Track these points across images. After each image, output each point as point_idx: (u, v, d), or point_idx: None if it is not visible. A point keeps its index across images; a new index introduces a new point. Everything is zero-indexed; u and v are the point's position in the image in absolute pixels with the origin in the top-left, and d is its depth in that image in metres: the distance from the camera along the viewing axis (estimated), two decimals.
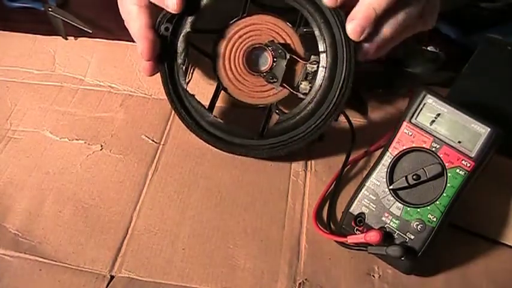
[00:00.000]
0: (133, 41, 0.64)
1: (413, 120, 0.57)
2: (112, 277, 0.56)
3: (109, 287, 0.55)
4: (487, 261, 0.58)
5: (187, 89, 0.65)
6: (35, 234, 0.59)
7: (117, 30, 0.78)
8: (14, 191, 0.63)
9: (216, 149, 0.66)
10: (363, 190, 0.58)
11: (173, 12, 0.62)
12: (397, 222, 0.56)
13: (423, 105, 0.57)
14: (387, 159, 0.57)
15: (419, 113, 0.57)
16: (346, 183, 0.65)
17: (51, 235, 0.59)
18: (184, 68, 0.65)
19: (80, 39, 0.81)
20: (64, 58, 0.79)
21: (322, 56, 0.63)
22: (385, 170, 0.57)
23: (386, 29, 0.60)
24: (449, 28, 0.79)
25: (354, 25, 0.59)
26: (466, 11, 0.81)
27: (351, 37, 0.60)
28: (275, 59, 0.65)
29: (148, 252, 0.58)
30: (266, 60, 0.66)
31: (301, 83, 0.65)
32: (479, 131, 0.54)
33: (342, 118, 0.65)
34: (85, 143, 0.68)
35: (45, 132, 0.69)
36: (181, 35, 0.64)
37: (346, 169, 0.65)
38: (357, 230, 0.58)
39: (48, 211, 0.61)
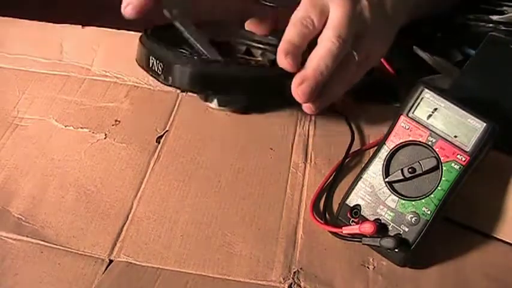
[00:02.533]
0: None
1: (410, 114, 0.57)
2: (111, 261, 0.57)
3: (107, 271, 0.56)
4: (481, 255, 0.59)
5: None
6: (38, 218, 0.60)
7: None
8: (19, 176, 0.65)
9: (217, 141, 0.68)
10: (359, 182, 0.59)
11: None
12: (391, 214, 0.57)
13: (421, 100, 0.57)
14: (384, 152, 0.58)
15: (416, 107, 0.57)
16: (344, 176, 0.66)
17: (53, 219, 0.60)
18: None
19: (86, 27, 0.83)
20: (71, 47, 0.81)
21: None
22: (382, 162, 0.58)
23: (335, 88, 0.63)
24: None
25: (303, 88, 0.60)
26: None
27: (299, 100, 0.61)
28: None
29: (147, 237, 0.59)
30: None
31: None
32: (475, 126, 0.55)
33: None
34: (89, 131, 0.70)
35: (51, 120, 0.71)
36: None
37: (345, 162, 0.66)
38: (352, 221, 0.59)
39: (51, 196, 0.63)
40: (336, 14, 0.61)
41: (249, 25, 0.69)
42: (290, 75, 0.61)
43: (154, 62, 0.65)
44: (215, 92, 0.68)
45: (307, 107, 0.63)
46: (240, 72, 0.65)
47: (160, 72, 0.65)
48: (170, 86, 0.65)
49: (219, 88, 0.66)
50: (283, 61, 0.60)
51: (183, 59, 0.64)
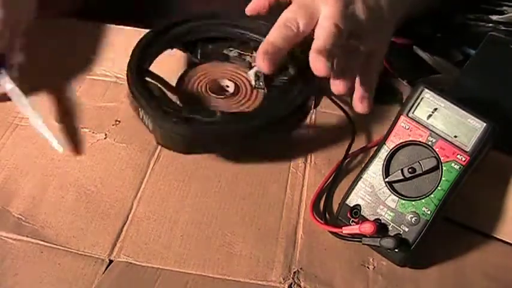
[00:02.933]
0: (140, 27, 0.65)
1: (410, 114, 0.57)
2: (111, 261, 0.57)
3: (107, 271, 0.56)
4: (481, 255, 0.59)
5: None
6: (38, 218, 0.60)
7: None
8: (19, 176, 0.65)
9: None
10: (359, 182, 0.59)
11: None
12: (392, 214, 0.57)
13: (421, 100, 0.57)
14: (384, 152, 0.58)
15: (416, 107, 0.57)
16: (344, 176, 0.66)
17: (53, 219, 0.60)
18: None
19: None
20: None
21: None
22: (382, 162, 0.58)
23: (364, 77, 0.64)
24: None
25: (319, 58, 0.57)
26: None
27: (318, 72, 0.58)
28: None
29: (147, 238, 0.59)
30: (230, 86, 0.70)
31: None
32: (475, 126, 0.55)
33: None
34: (89, 131, 0.70)
35: (51, 120, 0.71)
36: None
37: (345, 162, 0.66)
38: (352, 221, 0.59)
39: (51, 196, 0.63)
40: (328, 10, 0.60)
41: (248, 10, 0.68)
42: (280, 121, 0.62)
43: (144, 117, 0.63)
44: (206, 151, 0.66)
45: (358, 107, 0.65)
46: (228, 129, 0.62)
47: (150, 130, 0.63)
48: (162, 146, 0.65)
49: (209, 149, 0.66)
50: (261, 62, 0.59)
51: (171, 123, 0.61)
